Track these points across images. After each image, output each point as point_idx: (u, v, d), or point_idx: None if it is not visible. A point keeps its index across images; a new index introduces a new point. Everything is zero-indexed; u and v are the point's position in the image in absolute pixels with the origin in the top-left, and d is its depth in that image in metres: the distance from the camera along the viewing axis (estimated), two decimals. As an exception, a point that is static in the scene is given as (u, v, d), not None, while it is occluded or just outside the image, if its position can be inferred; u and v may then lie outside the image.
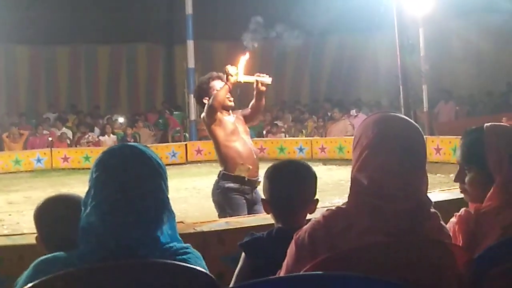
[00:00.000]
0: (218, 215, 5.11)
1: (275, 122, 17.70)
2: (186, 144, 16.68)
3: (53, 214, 2.18)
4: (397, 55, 13.71)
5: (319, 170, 13.47)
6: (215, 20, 20.59)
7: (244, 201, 5.00)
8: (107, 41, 20.96)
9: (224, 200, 5.04)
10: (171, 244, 1.80)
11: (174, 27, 20.96)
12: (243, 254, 2.35)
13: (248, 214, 4.87)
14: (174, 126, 18.85)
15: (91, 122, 18.45)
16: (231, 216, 4.92)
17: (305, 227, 1.95)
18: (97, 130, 17.89)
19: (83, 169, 14.91)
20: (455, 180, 2.19)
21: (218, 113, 4.93)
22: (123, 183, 1.75)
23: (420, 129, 2.01)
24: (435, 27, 16.27)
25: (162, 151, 16.22)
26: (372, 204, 1.85)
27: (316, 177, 2.42)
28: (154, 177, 1.82)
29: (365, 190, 1.87)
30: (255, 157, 5.05)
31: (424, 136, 2.03)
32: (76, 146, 16.62)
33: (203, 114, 5.03)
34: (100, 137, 17.13)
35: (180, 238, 1.89)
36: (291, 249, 1.95)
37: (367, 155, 1.89)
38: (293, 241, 1.95)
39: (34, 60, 20.97)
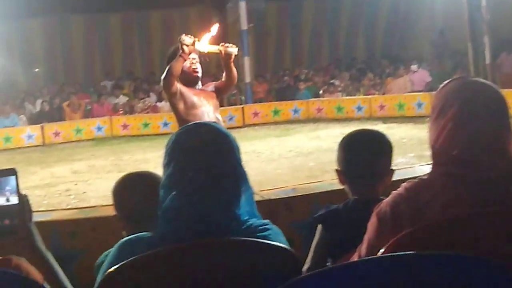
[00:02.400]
0: None
1: (331, 81, 17.46)
2: (243, 108, 16.66)
3: (132, 192, 2.24)
4: (456, 6, 13.27)
5: (379, 128, 13.18)
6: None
7: None
8: (159, 6, 21.00)
9: None
10: (250, 221, 1.79)
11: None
12: (319, 226, 2.31)
13: None
14: (229, 89, 18.86)
15: (147, 88, 18.63)
16: None
17: (386, 199, 1.90)
18: (153, 96, 18.06)
19: (142, 136, 15.17)
20: None
21: (178, 85, 4.68)
22: (205, 162, 1.74)
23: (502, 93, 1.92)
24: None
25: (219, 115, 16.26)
26: (458, 174, 1.78)
27: (392, 147, 2.35)
28: (232, 153, 1.81)
29: (450, 160, 1.80)
30: None
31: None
32: (132, 114, 16.82)
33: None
34: (158, 103, 17.29)
35: (259, 214, 1.88)
36: (373, 222, 1.90)
37: (453, 125, 1.81)
38: (374, 214, 1.90)
39: (88, 29, 21.24)
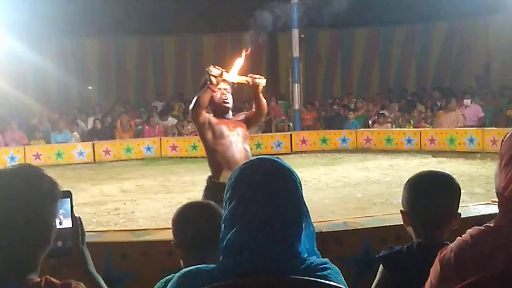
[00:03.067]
0: None
1: (381, 112, 17.32)
2: (291, 134, 16.67)
3: (191, 222, 2.26)
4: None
5: (429, 163, 13.08)
6: (320, 7, 20.38)
7: None
8: (212, 30, 21.26)
9: None
10: (310, 259, 1.76)
11: (278, 15, 20.92)
12: (381, 267, 2.28)
13: None
14: (278, 115, 18.88)
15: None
16: None
17: (450, 245, 1.86)
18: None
19: (190, 157, 15.28)
20: None
21: (207, 115, 4.66)
22: (269, 198, 1.73)
23: None
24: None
25: (267, 141, 16.33)
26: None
27: (460, 191, 2.31)
28: (296, 189, 1.80)
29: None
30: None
31: None
32: (181, 136, 16.97)
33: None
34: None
35: (318, 252, 1.86)
36: (436, 268, 1.86)
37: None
38: (437, 260, 1.86)
39: (142, 50, 21.64)
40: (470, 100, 16.10)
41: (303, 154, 15.69)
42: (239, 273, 1.67)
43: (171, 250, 3.59)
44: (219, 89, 4.70)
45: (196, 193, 6.79)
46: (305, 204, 1.82)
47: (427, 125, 16.19)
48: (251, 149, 15.63)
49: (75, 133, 16.86)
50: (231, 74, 4.71)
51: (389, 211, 7.54)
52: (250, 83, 4.71)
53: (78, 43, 20.51)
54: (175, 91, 21.78)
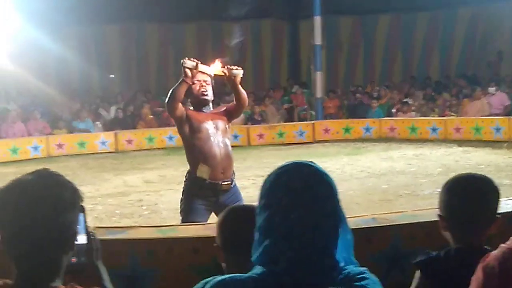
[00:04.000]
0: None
1: (405, 100, 17.10)
2: (313, 123, 16.58)
3: (235, 225, 2.23)
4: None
5: (454, 152, 12.88)
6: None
7: (204, 206, 4.60)
8: (232, 18, 21.15)
9: (184, 203, 4.70)
10: (348, 269, 1.71)
11: (299, 1, 20.81)
12: (418, 272, 2.21)
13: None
14: (300, 104, 18.77)
15: (217, 101, 18.68)
16: (183, 222, 4.57)
17: (494, 253, 1.79)
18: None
19: (212, 147, 15.22)
20: None
21: (184, 109, 4.61)
22: (308, 206, 1.66)
23: None
24: None
25: (289, 130, 16.26)
26: None
27: (499, 193, 2.22)
28: (333, 195, 1.73)
29: None
30: (221, 157, 4.65)
31: None
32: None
33: None
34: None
35: (356, 261, 1.79)
36: (478, 277, 1.79)
37: None
38: (480, 268, 1.79)
39: (163, 37, 21.61)
40: (495, 88, 15.83)
41: (326, 144, 15.56)
42: (275, 283, 1.62)
43: (197, 247, 3.58)
44: (198, 81, 4.66)
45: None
46: (342, 210, 1.76)
47: (452, 114, 15.97)
48: (273, 138, 15.60)
49: (98, 122, 16.91)
50: (207, 66, 4.67)
51: (415, 203, 7.46)
52: (227, 74, 4.65)
53: (99, 30, 20.52)
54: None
